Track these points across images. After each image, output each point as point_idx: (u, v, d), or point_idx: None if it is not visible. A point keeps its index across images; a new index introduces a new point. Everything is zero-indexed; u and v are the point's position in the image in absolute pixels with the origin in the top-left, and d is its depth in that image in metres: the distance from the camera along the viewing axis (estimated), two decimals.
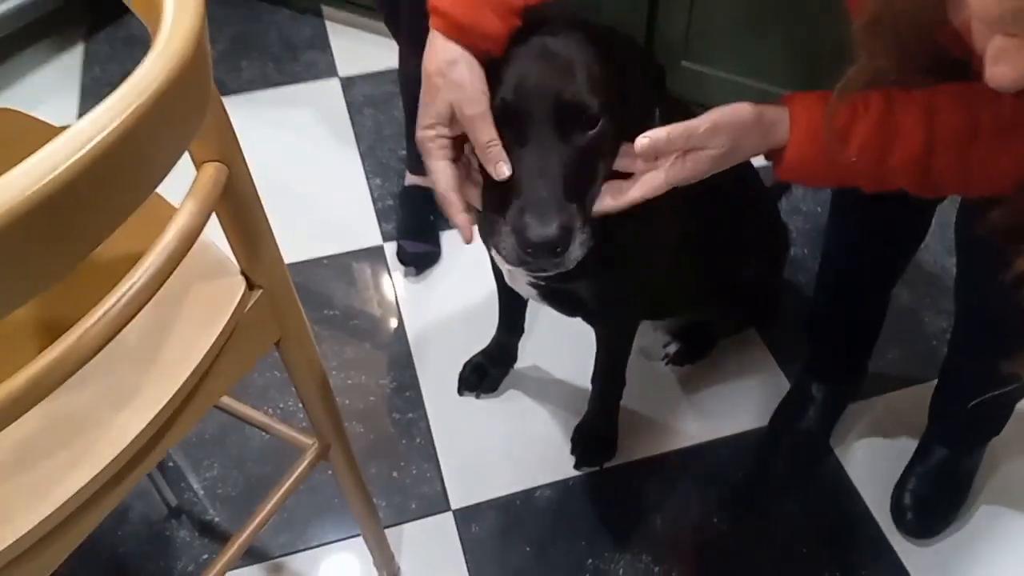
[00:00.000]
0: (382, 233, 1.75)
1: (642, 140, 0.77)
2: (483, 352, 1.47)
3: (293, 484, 1.03)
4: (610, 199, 0.81)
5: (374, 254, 1.71)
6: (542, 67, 0.78)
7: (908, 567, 1.26)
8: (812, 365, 1.42)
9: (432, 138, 0.79)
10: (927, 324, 1.57)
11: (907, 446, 1.37)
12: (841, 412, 1.41)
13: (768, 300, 1.46)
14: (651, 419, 1.43)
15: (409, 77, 1.64)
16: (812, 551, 1.28)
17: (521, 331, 1.43)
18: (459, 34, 0.76)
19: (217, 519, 1.31)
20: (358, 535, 1.25)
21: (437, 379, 1.49)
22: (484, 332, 1.47)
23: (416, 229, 1.68)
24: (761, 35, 1.65)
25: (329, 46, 2.20)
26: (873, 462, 1.38)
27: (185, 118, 0.61)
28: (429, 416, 1.44)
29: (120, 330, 0.63)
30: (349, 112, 2.02)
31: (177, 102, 0.56)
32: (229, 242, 0.82)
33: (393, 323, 1.58)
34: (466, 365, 1.48)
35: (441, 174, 0.80)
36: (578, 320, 1.23)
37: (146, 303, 0.65)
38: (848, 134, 0.80)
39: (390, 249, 1.71)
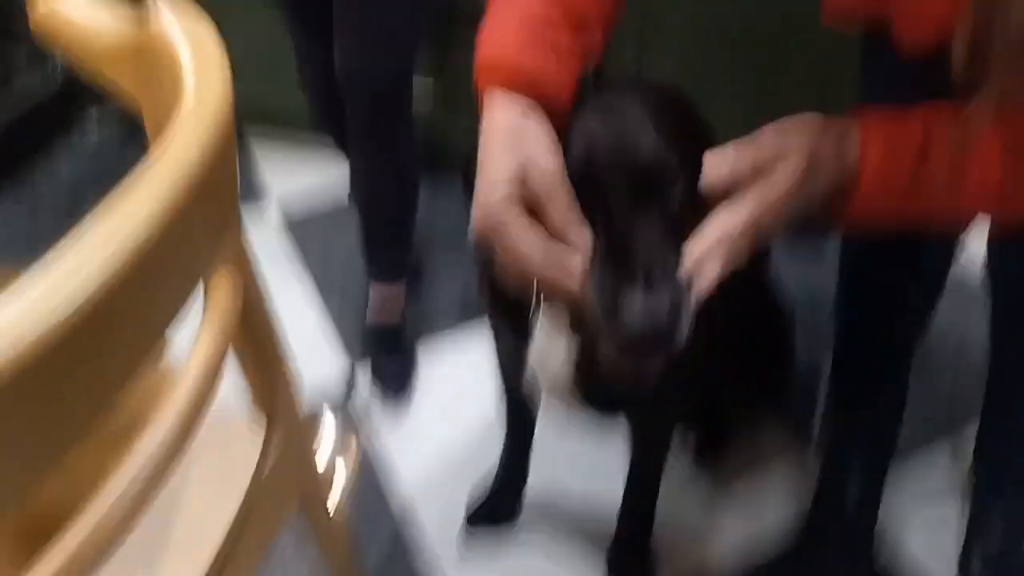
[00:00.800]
0: (347, 353, 1.60)
1: (710, 160, 0.69)
2: (490, 476, 1.30)
3: None
4: (710, 264, 0.68)
5: (341, 378, 1.55)
6: (611, 127, 0.68)
7: None
8: (843, 437, 1.32)
9: (507, 207, 0.65)
10: (933, 376, 1.51)
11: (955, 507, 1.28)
12: (882, 486, 1.31)
13: (783, 374, 1.36)
14: (689, 527, 1.29)
15: (358, 184, 1.53)
16: None
17: (528, 451, 1.28)
18: (527, 88, 0.67)
19: None
20: None
21: (441, 514, 1.30)
22: (488, 449, 1.32)
23: (387, 343, 1.55)
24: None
25: (259, 169, 2.08)
26: (924, 534, 1.27)
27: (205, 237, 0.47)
28: (440, 559, 1.25)
29: (135, 522, 0.46)
30: (292, 232, 1.88)
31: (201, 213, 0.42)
32: (244, 372, 0.66)
33: (373, 461, 1.41)
34: (472, 494, 1.30)
35: (536, 247, 0.65)
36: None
37: (169, 472, 0.49)
38: (928, 146, 0.72)
39: (359, 370, 1.55)
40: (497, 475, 1.30)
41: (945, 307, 1.57)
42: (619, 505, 1.21)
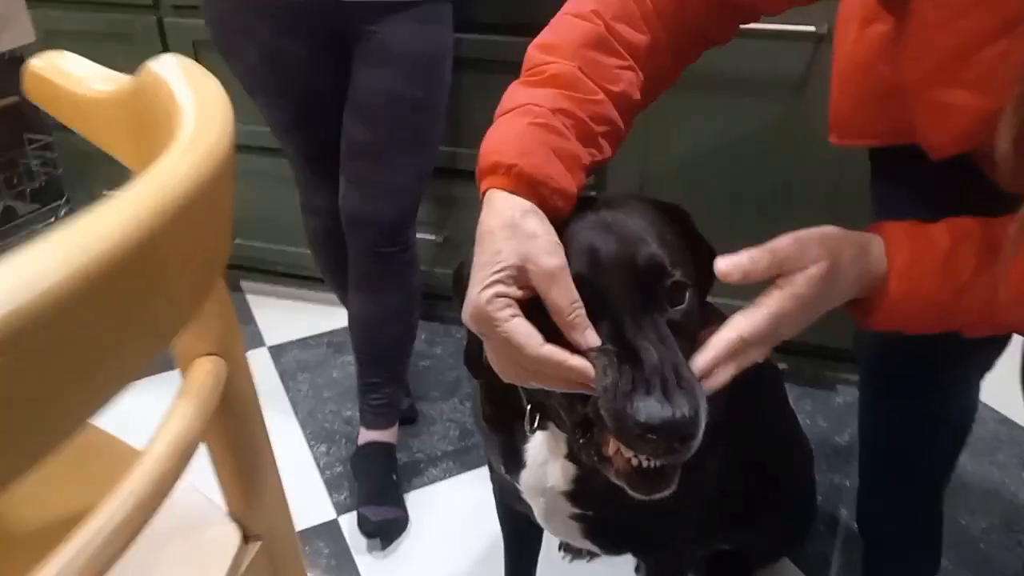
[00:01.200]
0: (334, 505, 1.50)
1: (723, 261, 0.65)
2: None
3: None
4: (723, 369, 0.64)
5: (328, 531, 1.44)
6: (613, 236, 0.66)
7: None
8: None
9: (492, 298, 0.62)
10: (964, 527, 1.42)
11: None
12: None
13: (804, 510, 1.27)
14: None
15: (357, 322, 1.50)
16: None
17: None
18: (529, 190, 0.65)
19: None
20: None
21: None
22: None
23: (377, 493, 1.45)
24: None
25: (253, 318, 2.06)
26: None
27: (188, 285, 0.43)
28: None
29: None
30: (282, 380, 1.83)
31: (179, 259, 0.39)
32: (219, 475, 0.60)
33: None
34: None
35: (522, 329, 0.62)
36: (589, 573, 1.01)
37: (115, 559, 0.42)
38: (955, 262, 0.70)
39: (346, 522, 1.45)
40: None
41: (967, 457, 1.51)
42: None
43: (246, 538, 0.61)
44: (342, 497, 1.51)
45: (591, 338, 0.61)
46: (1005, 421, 1.65)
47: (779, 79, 1.51)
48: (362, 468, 1.50)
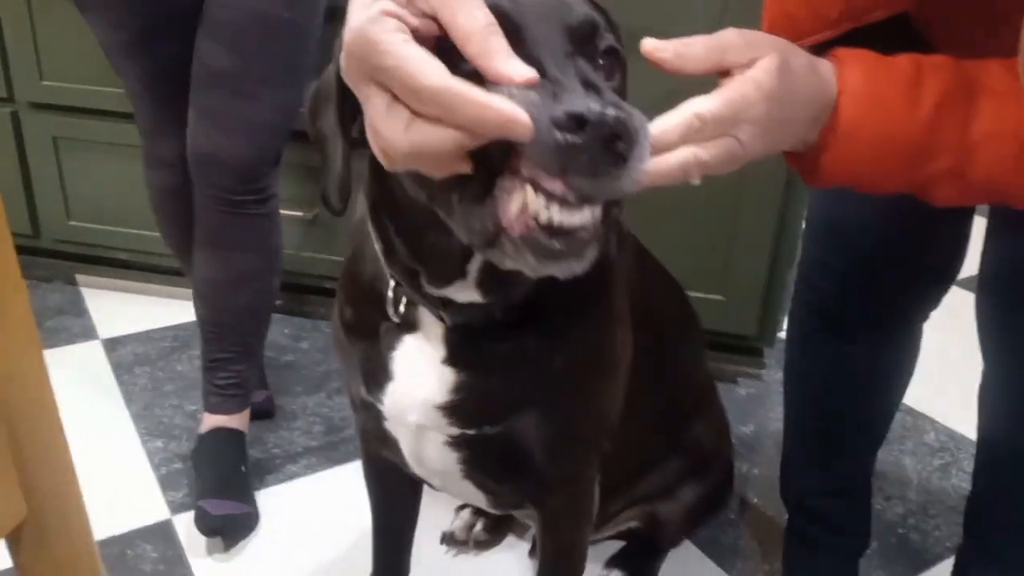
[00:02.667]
0: (168, 504, 1.24)
1: (650, 40, 0.52)
2: None
3: None
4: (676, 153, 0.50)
5: (158, 532, 1.19)
6: None
7: None
8: (801, 562, 1.08)
9: (379, 16, 0.44)
10: (883, 512, 1.31)
11: None
12: None
13: (724, 478, 1.13)
14: None
15: (203, 284, 1.28)
16: None
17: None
18: None
19: None
20: None
21: None
22: None
23: (221, 485, 1.20)
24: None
25: (86, 310, 1.79)
26: None
27: None
28: None
29: None
30: (115, 374, 1.56)
31: None
32: None
33: None
34: None
35: (419, 55, 0.43)
36: (476, 568, 0.89)
37: None
38: (919, 87, 0.57)
39: (182, 523, 1.21)
40: None
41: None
42: None
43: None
44: (179, 495, 1.26)
45: (516, 67, 0.44)
46: (911, 411, 1.57)
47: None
48: (204, 457, 1.25)
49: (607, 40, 0.51)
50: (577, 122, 0.41)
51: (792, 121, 0.56)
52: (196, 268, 1.29)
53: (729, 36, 0.55)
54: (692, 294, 1.62)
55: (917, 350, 1.02)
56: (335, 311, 0.77)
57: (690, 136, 0.50)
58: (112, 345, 1.66)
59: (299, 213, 1.65)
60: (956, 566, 1.05)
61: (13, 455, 0.45)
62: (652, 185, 0.48)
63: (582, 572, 0.87)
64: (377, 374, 0.71)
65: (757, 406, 1.58)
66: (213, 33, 1.16)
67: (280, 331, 1.71)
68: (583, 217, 0.45)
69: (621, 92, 0.53)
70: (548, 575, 0.86)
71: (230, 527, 1.17)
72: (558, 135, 0.42)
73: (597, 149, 0.42)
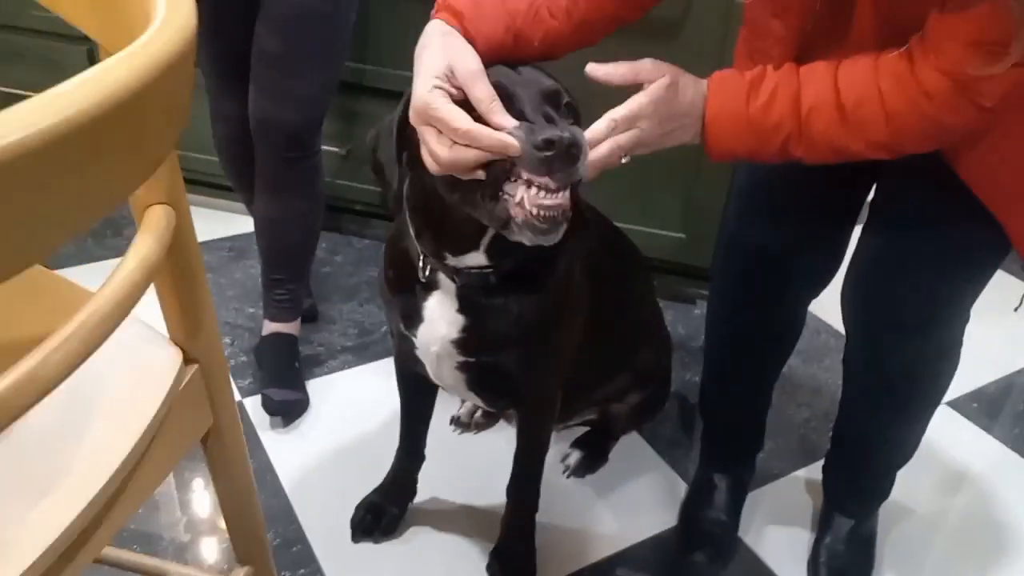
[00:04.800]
0: (239, 389, 1.62)
1: (591, 65, 0.89)
2: (378, 489, 1.36)
3: None
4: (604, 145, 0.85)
5: None
6: (524, 67, 0.87)
7: None
8: (711, 457, 1.44)
9: (432, 89, 0.80)
10: (791, 416, 1.67)
11: (806, 524, 1.42)
12: (744, 498, 1.43)
13: (661, 387, 1.49)
14: (564, 534, 1.37)
15: (263, 221, 1.60)
16: None
17: (422, 457, 1.35)
18: (459, 21, 0.84)
19: None
20: None
21: (326, 529, 1.34)
22: (368, 474, 1.37)
23: (280, 377, 1.58)
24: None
25: None
26: (781, 544, 1.39)
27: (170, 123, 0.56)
28: (324, 569, 1.28)
29: (63, 378, 0.50)
30: None
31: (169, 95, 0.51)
32: (163, 306, 0.73)
33: (266, 478, 1.43)
34: (358, 508, 1.35)
35: (456, 112, 0.79)
36: (469, 444, 1.19)
37: (86, 357, 0.53)
38: (759, 83, 0.89)
39: (250, 404, 1.58)
40: (383, 487, 1.35)
41: (799, 362, 1.76)
42: (503, 515, 1.29)
43: (186, 361, 0.74)
44: (246, 383, 1.64)
45: (507, 120, 0.79)
46: (835, 333, 1.91)
47: (656, 20, 1.67)
48: (266, 355, 1.62)
49: (566, 98, 0.86)
50: (547, 143, 0.76)
51: (678, 116, 0.89)
52: (257, 208, 1.61)
53: (644, 63, 0.89)
54: (657, 231, 1.95)
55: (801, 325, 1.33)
56: (381, 272, 1.11)
57: (610, 132, 0.84)
58: None
59: (335, 149, 1.95)
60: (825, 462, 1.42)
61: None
62: (598, 169, 0.84)
63: (546, 450, 1.24)
64: (412, 317, 1.05)
65: None
66: (268, 23, 1.44)
67: (319, 246, 2.04)
68: (561, 198, 0.79)
69: (578, 124, 0.86)
70: (524, 452, 1.23)
71: (288, 410, 1.55)
72: (538, 152, 0.76)
73: (562, 156, 0.76)
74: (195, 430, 0.77)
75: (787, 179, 1.12)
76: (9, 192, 0.40)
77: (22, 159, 0.39)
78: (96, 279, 0.55)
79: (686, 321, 1.94)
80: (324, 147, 1.62)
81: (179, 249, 0.70)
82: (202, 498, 1.40)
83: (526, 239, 0.82)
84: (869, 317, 1.16)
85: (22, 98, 0.41)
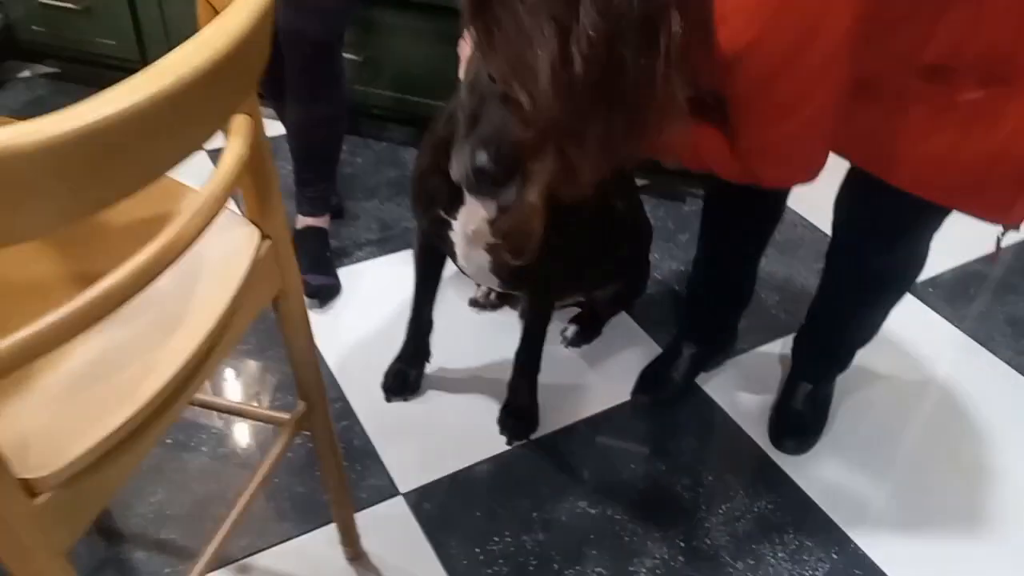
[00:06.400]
0: None
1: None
2: (399, 357, 1.60)
3: (280, 452, 1.10)
4: None
5: None
6: None
7: (793, 477, 1.50)
8: (685, 330, 1.67)
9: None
10: (765, 299, 1.89)
11: (771, 390, 1.66)
12: (702, 367, 1.67)
13: (639, 278, 1.72)
14: (562, 394, 1.62)
15: (295, 126, 1.79)
16: (717, 476, 1.50)
17: (431, 324, 1.59)
18: None
19: (171, 536, 1.32)
20: (315, 529, 1.33)
21: (363, 391, 1.59)
22: (396, 345, 1.60)
23: (316, 265, 1.80)
24: None
25: None
26: (747, 405, 1.64)
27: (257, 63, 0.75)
28: (362, 422, 1.53)
29: (181, 253, 0.71)
30: None
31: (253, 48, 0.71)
32: (244, 193, 0.93)
33: None
34: (387, 374, 1.59)
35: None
36: (482, 321, 1.44)
37: (204, 229, 0.74)
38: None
39: None
40: (403, 355, 1.59)
41: (776, 252, 1.97)
42: (509, 378, 1.53)
43: (262, 237, 0.95)
44: None
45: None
46: (809, 226, 2.11)
47: None
48: (301, 246, 1.83)
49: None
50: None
51: None
52: (288, 114, 1.79)
53: None
54: None
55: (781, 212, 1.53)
56: (418, 166, 1.30)
57: None
58: (214, 156, 2.20)
59: (353, 56, 2.11)
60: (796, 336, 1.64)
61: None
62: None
63: (548, 322, 1.47)
64: (456, 202, 1.24)
65: (694, 220, 2.11)
66: None
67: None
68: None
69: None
70: (530, 324, 1.47)
71: (324, 292, 1.78)
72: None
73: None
74: (269, 292, 0.99)
75: None
76: (173, 113, 0.60)
77: (181, 91, 0.60)
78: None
79: (675, 217, 2.14)
80: (344, 55, 1.79)
81: (256, 147, 0.90)
82: (264, 353, 1.64)
83: None
84: (853, 221, 1.34)
85: None
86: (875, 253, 1.34)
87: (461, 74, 1.07)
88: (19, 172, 0.47)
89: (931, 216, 1.24)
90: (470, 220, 1.25)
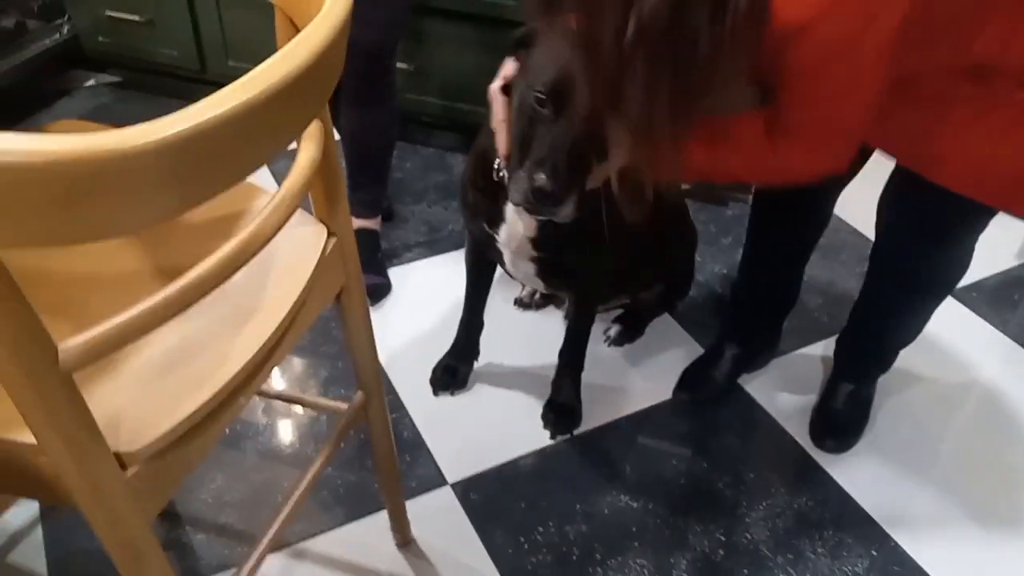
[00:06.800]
0: None
1: None
2: (449, 353, 1.65)
3: (337, 439, 1.16)
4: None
5: None
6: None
7: (834, 476, 1.53)
8: (728, 331, 1.71)
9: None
10: (807, 302, 1.92)
11: (813, 390, 1.68)
12: (744, 368, 1.70)
13: (684, 280, 1.76)
14: (604, 392, 1.66)
15: (349, 131, 1.86)
16: (757, 474, 1.53)
17: (482, 323, 1.64)
18: None
19: (229, 521, 1.39)
20: (366, 516, 1.39)
21: (412, 385, 1.65)
22: (443, 342, 1.66)
23: (367, 265, 1.86)
24: None
25: None
26: (789, 405, 1.66)
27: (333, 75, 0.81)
28: (411, 414, 1.59)
29: (259, 248, 0.76)
30: (275, 180, 2.20)
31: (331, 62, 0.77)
32: (312, 193, 1.00)
33: None
34: (436, 369, 1.65)
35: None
36: (527, 320, 1.48)
37: (280, 226, 0.80)
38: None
39: None
40: (453, 351, 1.65)
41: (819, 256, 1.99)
42: (554, 375, 1.58)
43: (328, 234, 1.02)
44: None
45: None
46: (852, 231, 2.13)
47: None
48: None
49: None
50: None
51: None
52: (343, 120, 1.86)
53: None
54: None
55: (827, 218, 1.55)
56: (464, 182, 1.36)
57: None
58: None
59: (404, 65, 2.18)
60: (838, 339, 1.66)
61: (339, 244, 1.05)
62: None
63: (592, 323, 1.52)
64: (497, 218, 1.30)
65: (736, 224, 2.16)
66: None
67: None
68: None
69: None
70: (575, 324, 1.52)
71: (376, 291, 1.84)
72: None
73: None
74: (334, 286, 1.05)
75: None
76: (262, 119, 0.67)
77: (269, 99, 0.66)
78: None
79: (718, 221, 2.17)
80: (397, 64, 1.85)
81: (326, 151, 0.96)
82: (324, 346, 1.71)
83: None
84: (897, 223, 1.36)
85: None
86: (919, 255, 1.36)
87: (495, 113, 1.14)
88: (142, 169, 0.54)
89: (975, 218, 1.26)
90: (511, 238, 1.30)
